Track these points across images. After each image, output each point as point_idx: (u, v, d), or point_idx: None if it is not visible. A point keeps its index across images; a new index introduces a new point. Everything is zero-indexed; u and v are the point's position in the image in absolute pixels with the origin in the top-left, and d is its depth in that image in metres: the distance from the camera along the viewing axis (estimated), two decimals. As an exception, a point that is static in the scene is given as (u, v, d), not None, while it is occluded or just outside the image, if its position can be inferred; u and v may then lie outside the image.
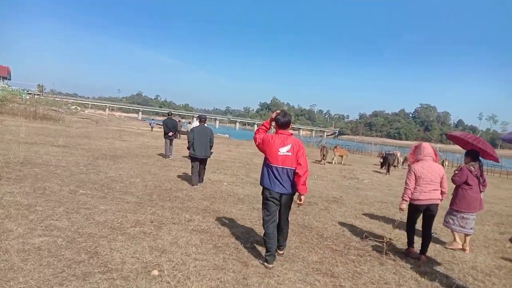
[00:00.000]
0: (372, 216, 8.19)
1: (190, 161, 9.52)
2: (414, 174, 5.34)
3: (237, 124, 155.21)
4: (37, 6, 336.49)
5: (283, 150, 4.41)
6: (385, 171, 19.99)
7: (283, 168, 4.39)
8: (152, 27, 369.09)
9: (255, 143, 4.67)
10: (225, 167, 13.58)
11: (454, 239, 6.24)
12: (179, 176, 10.07)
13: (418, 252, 5.47)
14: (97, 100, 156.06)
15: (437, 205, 5.42)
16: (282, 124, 4.56)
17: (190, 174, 9.44)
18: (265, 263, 4.36)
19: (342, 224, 6.99)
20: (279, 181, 4.40)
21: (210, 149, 9.55)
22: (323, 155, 21.53)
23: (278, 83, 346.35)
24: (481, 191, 6.24)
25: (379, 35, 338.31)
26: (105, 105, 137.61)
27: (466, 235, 6.14)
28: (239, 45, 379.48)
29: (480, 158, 6.38)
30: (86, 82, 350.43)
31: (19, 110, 29.10)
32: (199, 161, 9.25)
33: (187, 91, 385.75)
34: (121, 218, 5.46)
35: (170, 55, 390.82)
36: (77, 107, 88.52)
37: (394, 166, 22.86)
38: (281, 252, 4.78)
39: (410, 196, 5.39)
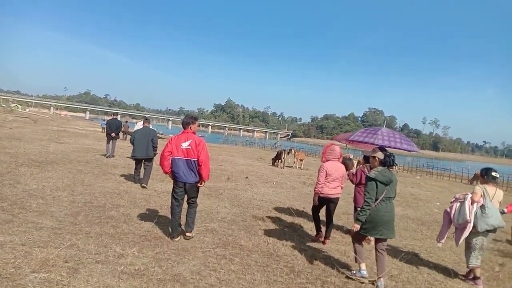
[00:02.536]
0: (341, 233, 7.17)
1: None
2: (326, 171, 6.09)
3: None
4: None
5: (185, 145, 5.34)
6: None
7: (185, 159, 5.34)
8: (101, 22, 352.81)
9: (163, 150, 5.41)
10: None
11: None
12: (117, 188, 8.49)
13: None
14: (41, 99, 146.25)
15: (339, 198, 6.40)
16: (183, 124, 5.61)
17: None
18: (173, 238, 5.33)
19: (312, 248, 5.87)
20: (183, 171, 5.35)
21: (154, 151, 9.86)
22: (282, 159, 20.65)
23: (233, 85, 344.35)
24: None
25: (330, 41, 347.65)
26: (50, 104, 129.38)
27: None
28: (193, 44, 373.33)
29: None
30: (29, 79, 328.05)
31: None
32: (141, 161, 9.71)
33: (139, 91, 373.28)
34: (21, 258, 3.93)
35: (121, 53, 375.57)
36: (18, 105, 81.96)
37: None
38: (188, 234, 5.48)
39: (320, 190, 6.10)
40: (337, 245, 6.30)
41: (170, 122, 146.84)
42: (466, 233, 5.12)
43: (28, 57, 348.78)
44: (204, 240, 5.47)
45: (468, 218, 5.04)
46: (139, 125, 14.17)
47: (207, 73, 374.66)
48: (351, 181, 6.98)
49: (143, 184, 9.16)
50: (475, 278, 5.19)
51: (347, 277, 4.69)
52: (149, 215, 6.50)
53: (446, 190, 21.24)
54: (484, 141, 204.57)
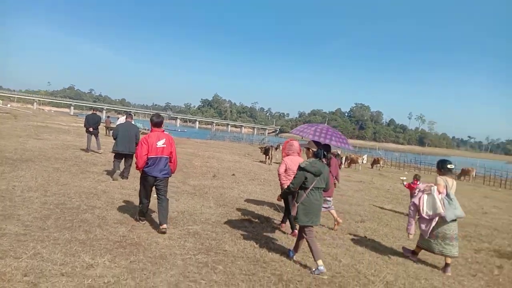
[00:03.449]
0: (332, 235, 6.83)
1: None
2: (285, 165, 6.34)
3: (178, 120, 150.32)
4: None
5: (160, 143, 5.62)
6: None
7: (161, 157, 5.62)
8: (85, 16, 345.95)
9: (141, 151, 5.56)
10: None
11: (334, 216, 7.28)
12: (95, 188, 7.98)
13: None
14: (24, 94, 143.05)
15: None
16: (156, 123, 5.82)
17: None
18: (140, 220, 5.88)
19: (302, 252, 5.46)
20: (158, 167, 5.60)
21: (136, 146, 8.76)
22: (270, 155, 20.30)
23: (220, 81, 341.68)
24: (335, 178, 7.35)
25: (318, 36, 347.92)
26: (33, 99, 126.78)
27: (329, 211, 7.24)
28: (180, 39, 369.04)
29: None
30: (12, 74, 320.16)
31: None
32: (123, 157, 9.56)
33: (124, 86, 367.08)
34: (-27, 271, 3.47)
35: (106, 47, 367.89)
36: (-1, 100, 79.93)
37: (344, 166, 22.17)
38: (163, 227, 5.48)
39: (283, 182, 6.26)
40: (328, 247, 5.94)
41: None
42: (433, 223, 5.42)
43: (10, 52, 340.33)
44: (185, 246, 5.03)
45: (441, 210, 5.29)
46: (121, 120, 13.76)
47: (194, 68, 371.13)
48: None
49: (124, 175, 9.42)
50: (445, 266, 5.47)
51: (311, 272, 4.68)
52: (127, 218, 6.05)
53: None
54: (469, 136, 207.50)
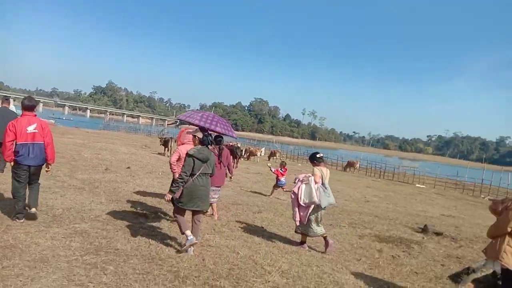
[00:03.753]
0: (231, 227, 6.86)
1: None
2: (179, 154, 6.07)
3: (66, 108, 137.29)
4: None
5: (31, 128, 5.18)
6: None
7: (34, 143, 5.18)
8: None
9: (6, 138, 5.05)
10: (40, 164, 10.37)
11: (212, 209, 7.25)
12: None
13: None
14: None
15: None
16: (27, 107, 5.34)
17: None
18: (17, 219, 5.14)
19: (200, 246, 5.36)
20: (31, 155, 5.16)
21: None
22: (169, 147, 19.74)
23: (115, 67, 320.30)
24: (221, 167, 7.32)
25: (219, 28, 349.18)
26: None
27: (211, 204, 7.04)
28: (66, 17, 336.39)
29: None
30: None
31: None
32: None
33: (1, 66, 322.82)
34: None
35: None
36: None
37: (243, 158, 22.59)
38: (32, 210, 5.32)
39: (175, 170, 6.07)
40: (226, 240, 5.94)
41: (40, 104, 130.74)
42: (310, 210, 5.88)
43: None
44: (71, 246, 4.54)
45: (316, 199, 5.77)
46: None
47: (84, 51, 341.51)
48: None
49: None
50: (302, 242, 6.17)
51: (178, 251, 4.93)
52: (0, 217, 5.25)
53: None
54: (354, 132, 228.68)
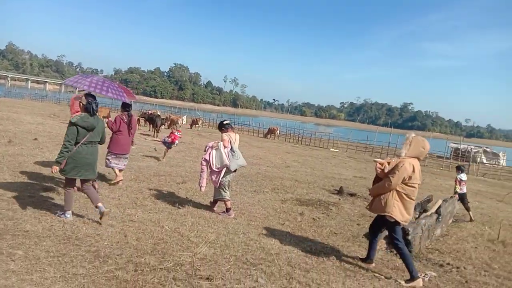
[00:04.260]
0: (154, 199, 6.62)
1: None
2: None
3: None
4: None
5: None
6: (151, 132, 18.81)
7: None
8: None
9: None
10: None
11: (116, 174, 7.33)
12: None
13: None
14: None
15: None
16: None
17: None
18: None
19: (121, 221, 5.09)
20: None
21: None
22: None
23: (15, 25, 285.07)
24: (130, 135, 7.43)
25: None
26: None
27: (120, 170, 7.36)
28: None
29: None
30: None
31: None
32: None
33: None
34: None
35: None
36: None
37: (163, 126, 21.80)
38: None
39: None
40: (149, 213, 5.71)
41: None
42: (222, 174, 6.11)
43: None
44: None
45: (227, 162, 6.03)
46: None
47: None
48: (110, 128, 7.21)
49: None
50: (228, 210, 6.25)
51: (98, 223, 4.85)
52: None
53: (247, 144, 23.06)
54: (274, 99, 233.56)
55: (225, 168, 6.09)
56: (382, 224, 4.68)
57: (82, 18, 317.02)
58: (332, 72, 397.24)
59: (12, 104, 29.12)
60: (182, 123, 29.66)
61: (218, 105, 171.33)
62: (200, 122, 33.76)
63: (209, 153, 6.16)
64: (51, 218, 4.77)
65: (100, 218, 4.86)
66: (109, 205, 5.79)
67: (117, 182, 7.24)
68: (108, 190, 6.76)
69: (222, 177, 6.14)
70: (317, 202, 8.16)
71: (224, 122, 6.53)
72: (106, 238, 4.39)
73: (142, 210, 5.79)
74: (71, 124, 4.72)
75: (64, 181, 5.04)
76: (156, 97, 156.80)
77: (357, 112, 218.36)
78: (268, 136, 34.76)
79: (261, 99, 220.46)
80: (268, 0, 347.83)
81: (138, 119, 19.63)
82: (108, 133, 6.33)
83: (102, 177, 7.63)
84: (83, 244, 4.11)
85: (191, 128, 31.82)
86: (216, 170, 6.12)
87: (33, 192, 5.91)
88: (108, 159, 7.29)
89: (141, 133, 19.22)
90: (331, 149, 31.13)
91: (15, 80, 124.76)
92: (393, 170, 4.36)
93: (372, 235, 4.89)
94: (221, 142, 6.19)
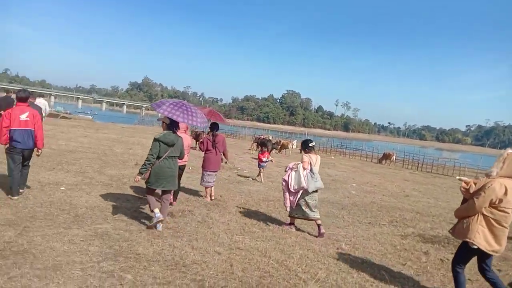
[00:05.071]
0: (262, 226, 6.39)
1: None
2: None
3: (104, 104, 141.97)
4: None
5: (23, 117, 5.79)
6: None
7: (26, 129, 5.81)
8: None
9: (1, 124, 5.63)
10: (71, 160, 10.29)
11: (206, 192, 7.97)
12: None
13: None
14: None
15: (185, 165, 7.26)
16: (21, 98, 5.99)
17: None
18: (12, 196, 5.83)
19: (228, 248, 4.94)
20: (23, 139, 5.77)
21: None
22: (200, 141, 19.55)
23: (150, 63, 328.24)
24: (217, 153, 7.88)
25: (251, 22, 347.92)
26: None
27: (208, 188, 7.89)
28: (103, 15, 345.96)
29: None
30: None
31: None
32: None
33: (45, 66, 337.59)
34: None
35: (23, 23, 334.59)
36: None
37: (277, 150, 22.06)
38: (21, 190, 6.04)
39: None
40: (257, 241, 5.47)
41: (79, 101, 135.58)
42: (299, 195, 6.18)
43: None
44: (88, 251, 4.21)
45: (304, 184, 6.07)
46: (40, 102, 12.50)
47: (122, 47, 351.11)
48: (200, 149, 7.96)
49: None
50: (319, 231, 6.28)
51: (148, 227, 5.31)
52: (20, 218, 5.03)
53: (359, 169, 21.92)
54: (389, 123, 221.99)
55: (302, 190, 6.13)
56: (466, 252, 4.03)
57: (206, 53, 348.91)
58: (454, 92, 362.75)
59: (144, 130, 32.71)
60: (292, 147, 29.67)
61: (328, 129, 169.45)
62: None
63: (288, 174, 6.27)
64: (162, 242, 4.85)
65: (149, 225, 5.34)
66: (219, 230, 5.76)
67: (209, 199, 7.83)
68: (219, 214, 6.78)
69: (300, 198, 6.18)
70: (445, 239, 7.01)
71: (310, 144, 6.54)
72: (212, 266, 4.25)
73: (250, 238, 5.60)
74: (155, 140, 5.30)
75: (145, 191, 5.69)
76: (268, 122, 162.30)
77: (486, 136, 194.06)
78: (383, 161, 32.60)
79: (375, 123, 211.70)
80: (376, 24, 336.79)
81: (256, 144, 20.11)
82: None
83: (216, 203, 7.77)
84: (189, 272, 4.02)
85: (300, 152, 31.71)
86: (293, 191, 6.20)
87: (149, 213, 6.18)
88: (203, 178, 7.80)
89: (252, 157, 19.64)
90: (457, 177, 27.65)
91: (148, 110, 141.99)
92: (479, 191, 3.82)
93: (456, 266, 4.18)
94: (301, 164, 6.22)
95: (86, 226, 5.05)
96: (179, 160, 6.35)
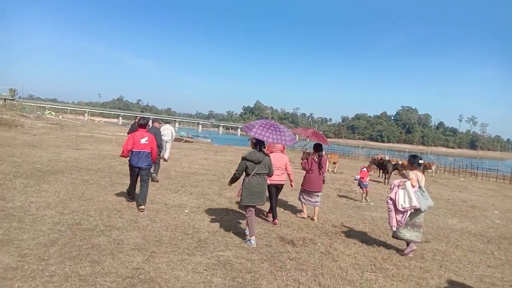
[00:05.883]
0: (395, 262, 5.54)
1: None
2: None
3: (220, 128, 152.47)
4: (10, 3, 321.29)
5: (143, 140, 6.95)
6: (381, 178, 17.67)
7: (144, 151, 6.94)
8: (133, 30, 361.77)
9: (127, 145, 6.91)
10: (193, 182, 10.73)
11: (302, 210, 8.02)
12: (120, 203, 7.17)
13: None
14: (76, 105, 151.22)
15: (283, 184, 7.40)
16: (141, 125, 7.33)
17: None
18: (129, 201, 7.28)
19: (359, 286, 4.29)
20: (140, 159, 6.90)
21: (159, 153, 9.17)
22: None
23: (261, 87, 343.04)
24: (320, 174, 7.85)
25: (361, 38, 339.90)
26: (84, 110, 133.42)
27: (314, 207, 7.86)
28: (222, 49, 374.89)
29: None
30: (66, 87, 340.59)
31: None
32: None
33: (170, 96, 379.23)
34: None
35: (152, 59, 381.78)
36: (52, 112, 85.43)
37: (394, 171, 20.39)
38: (141, 207, 6.76)
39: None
40: (393, 281, 4.69)
41: (200, 126, 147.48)
42: (407, 214, 5.86)
43: (63, 66, 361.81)
44: (212, 282, 3.98)
45: (416, 203, 5.76)
46: (165, 127, 14.49)
47: (236, 76, 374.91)
48: (303, 168, 8.02)
49: (154, 179, 9.72)
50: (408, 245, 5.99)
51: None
52: (147, 241, 5.13)
53: (498, 194, 18.84)
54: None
55: (412, 209, 5.83)
56: None
57: (312, 74, 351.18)
58: None
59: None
60: (435, 170, 27.17)
61: (452, 147, 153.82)
62: (434, 167, 30.21)
63: (395, 192, 5.97)
64: (286, 275, 4.43)
65: (244, 240, 5.59)
66: (346, 264, 5.14)
67: (303, 217, 7.82)
68: (343, 245, 6.14)
69: (413, 217, 5.92)
70: None
71: (420, 161, 6.28)
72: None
73: (383, 276, 4.85)
74: (242, 158, 5.66)
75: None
76: (382, 141, 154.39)
77: None
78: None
79: (508, 139, 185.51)
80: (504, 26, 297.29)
81: (369, 166, 18.83)
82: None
83: (338, 231, 7.14)
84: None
85: (423, 173, 28.83)
86: (401, 210, 5.88)
87: (270, 240, 5.88)
88: (301, 195, 7.96)
89: (370, 179, 18.36)
90: None
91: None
92: None
93: None
94: (408, 182, 5.92)
95: (209, 253, 4.91)
96: (276, 179, 7.04)
